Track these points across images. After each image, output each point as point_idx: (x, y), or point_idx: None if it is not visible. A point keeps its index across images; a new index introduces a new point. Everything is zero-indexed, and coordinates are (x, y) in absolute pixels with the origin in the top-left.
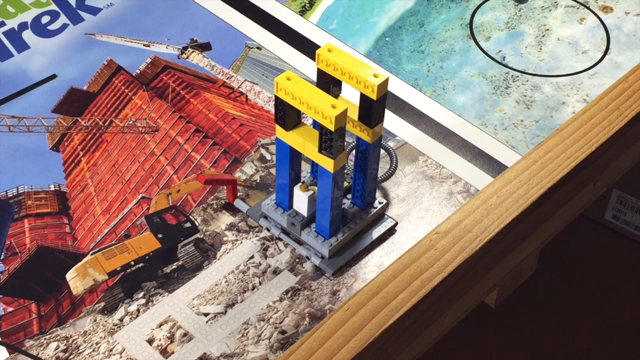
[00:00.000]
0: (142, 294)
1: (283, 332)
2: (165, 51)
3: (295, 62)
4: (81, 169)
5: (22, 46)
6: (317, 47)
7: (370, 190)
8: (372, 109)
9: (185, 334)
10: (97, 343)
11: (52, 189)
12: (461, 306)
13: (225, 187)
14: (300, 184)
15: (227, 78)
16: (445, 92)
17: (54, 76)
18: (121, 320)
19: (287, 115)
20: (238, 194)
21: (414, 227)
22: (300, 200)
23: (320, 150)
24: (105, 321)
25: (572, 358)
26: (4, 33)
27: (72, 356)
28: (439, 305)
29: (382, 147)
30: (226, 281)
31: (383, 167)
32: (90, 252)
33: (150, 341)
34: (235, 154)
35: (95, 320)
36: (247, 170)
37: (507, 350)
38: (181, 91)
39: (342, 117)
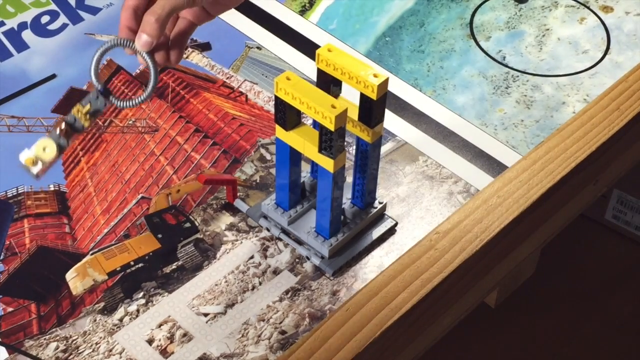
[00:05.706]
0: (142, 294)
1: (283, 332)
2: None
3: (295, 62)
4: (81, 169)
5: (22, 46)
6: (317, 47)
7: (370, 190)
8: (372, 109)
9: (185, 334)
10: (97, 343)
11: (52, 189)
12: (461, 306)
13: (225, 187)
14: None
15: (227, 78)
16: (445, 92)
17: (53, 76)
18: (121, 320)
19: (287, 115)
20: (238, 194)
21: (414, 227)
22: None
23: (320, 150)
24: (105, 321)
25: (572, 357)
26: (4, 33)
27: (71, 356)
28: (439, 305)
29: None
30: (226, 281)
31: None
32: (90, 252)
33: (150, 341)
34: (235, 154)
35: (95, 320)
36: (247, 170)
37: (507, 350)
38: (181, 91)
39: (342, 117)
